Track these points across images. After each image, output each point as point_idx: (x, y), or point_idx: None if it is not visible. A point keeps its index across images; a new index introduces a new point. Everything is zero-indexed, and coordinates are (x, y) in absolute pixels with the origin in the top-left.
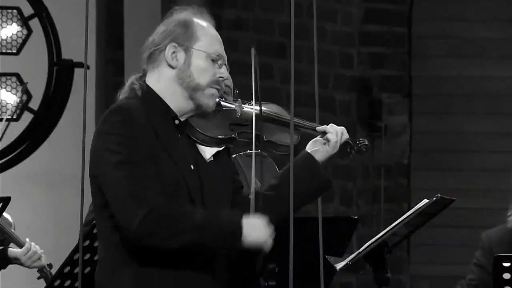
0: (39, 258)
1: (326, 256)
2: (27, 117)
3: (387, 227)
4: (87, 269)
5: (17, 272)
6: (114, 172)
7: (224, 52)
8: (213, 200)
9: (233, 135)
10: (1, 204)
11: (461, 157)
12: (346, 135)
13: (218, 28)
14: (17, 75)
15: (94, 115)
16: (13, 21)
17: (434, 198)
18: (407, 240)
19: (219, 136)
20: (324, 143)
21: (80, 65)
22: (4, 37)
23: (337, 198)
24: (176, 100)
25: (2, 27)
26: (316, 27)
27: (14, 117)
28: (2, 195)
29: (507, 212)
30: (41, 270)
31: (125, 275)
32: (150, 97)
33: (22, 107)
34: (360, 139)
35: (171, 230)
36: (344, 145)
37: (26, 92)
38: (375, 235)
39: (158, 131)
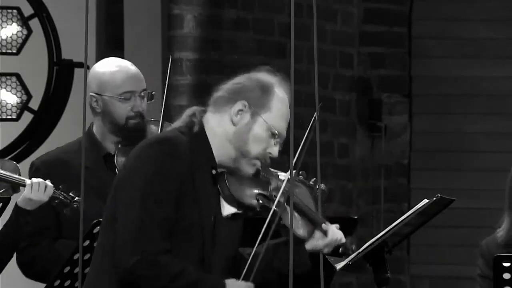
0: (46, 186)
1: (326, 256)
2: (27, 117)
3: (387, 227)
4: (87, 269)
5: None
6: (128, 208)
7: (285, 131)
8: (221, 254)
9: (254, 206)
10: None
11: (461, 157)
12: (342, 241)
13: (218, 28)
14: (17, 75)
15: None
16: (13, 21)
17: (434, 198)
18: (407, 240)
19: (242, 201)
20: (318, 238)
21: (80, 65)
22: (4, 37)
23: (337, 198)
24: (221, 154)
25: (2, 27)
26: (316, 27)
27: (14, 117)
28: None
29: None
30: (52, 199)
31: None
32: (200, 140)
33: (22, 107)
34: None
35: (156, 284)
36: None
37: None
38: (375, 235)
39: (196, 175)
